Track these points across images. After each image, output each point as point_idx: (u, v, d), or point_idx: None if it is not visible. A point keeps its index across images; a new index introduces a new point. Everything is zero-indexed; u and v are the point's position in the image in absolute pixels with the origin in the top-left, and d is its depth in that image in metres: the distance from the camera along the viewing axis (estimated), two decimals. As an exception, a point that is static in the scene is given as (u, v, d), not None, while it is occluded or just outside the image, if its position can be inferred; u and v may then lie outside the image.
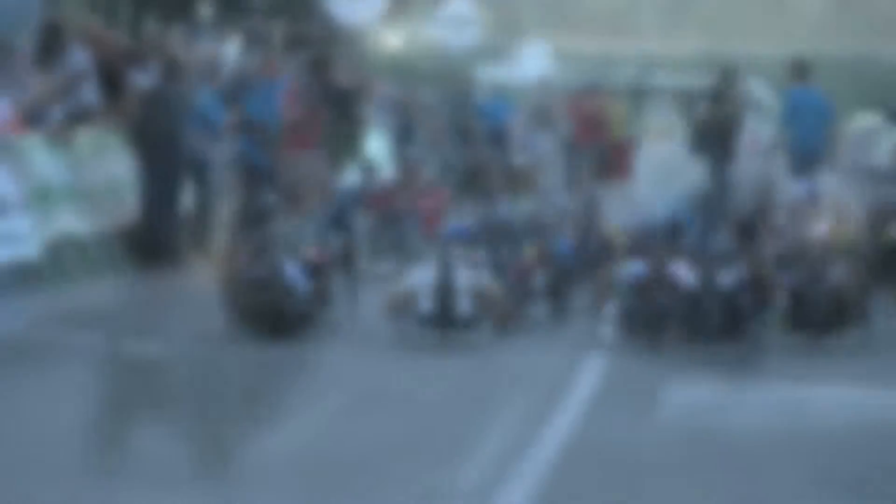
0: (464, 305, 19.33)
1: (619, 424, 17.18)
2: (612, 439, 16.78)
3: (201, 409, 16.33)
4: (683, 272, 20.79)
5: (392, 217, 28.78)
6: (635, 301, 20.68)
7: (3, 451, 14.31)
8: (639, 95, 70.53)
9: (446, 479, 14.43)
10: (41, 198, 26.69)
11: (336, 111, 32.60)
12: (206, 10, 52.64)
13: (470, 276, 19.62)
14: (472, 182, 37.72)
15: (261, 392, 17.34)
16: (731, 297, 20.30)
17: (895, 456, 15.29)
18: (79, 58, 29.07)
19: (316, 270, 20.17)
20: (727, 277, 20.61)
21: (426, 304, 19.30)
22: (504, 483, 14.11)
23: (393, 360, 19.22)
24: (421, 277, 19.64)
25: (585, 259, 23.55)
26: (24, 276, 24.17)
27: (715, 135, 39.49)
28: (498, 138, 45.76)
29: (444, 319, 19.32)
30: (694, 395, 17.95)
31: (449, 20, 64.07)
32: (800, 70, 38.05)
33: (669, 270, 21.10)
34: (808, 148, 35.95)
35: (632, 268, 21.17)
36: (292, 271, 19.65)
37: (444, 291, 19.23)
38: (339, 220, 26.33)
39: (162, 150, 27.94)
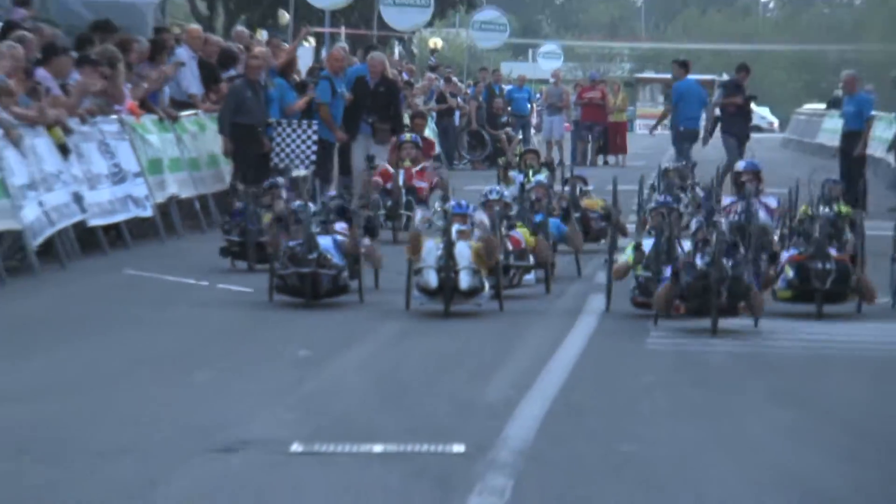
0: (466, 276, 21.87)
1: (614, 352, 21.89)
2: (619, 332, 23.08)
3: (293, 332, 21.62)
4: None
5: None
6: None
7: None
8: (632, 85, 79.80)
9: (478, 393, 18.12)
10: (154, 168, 32.56)
11: (385, 98, 38.32)
12: (285, 17, 61.15)
13: (465, 249, 21.94)
14: (497, 156, 42.36)
15: (333, 330, 21.94)
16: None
17: (836, 377, 19.56)
18: (182, 55, 37.01)
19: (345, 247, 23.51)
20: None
21: (429, 276, 21.98)
22: (524, 396, 17.67)
23: (422, 310, 23.00)
24: (429, 249, 22.12)
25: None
26: (142, 231, 32.11)
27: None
28: (520, 120, 53.45)
29: (448, 291, 21.99)
30: (675, 331, 22.41)
31: (481, 25, 73.36)
32: (682, 68, 49.21)
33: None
34: (689, 126, 46.71)
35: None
36: (328, 246, 22.99)
37: (448, 261, 21.71)
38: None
39: (242, 133, 34.50)
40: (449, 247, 21.57)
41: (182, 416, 17.15)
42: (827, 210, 25.23)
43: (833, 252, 23.85)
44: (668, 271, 21.82)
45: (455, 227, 22.16)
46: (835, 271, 23.23)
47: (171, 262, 29.39)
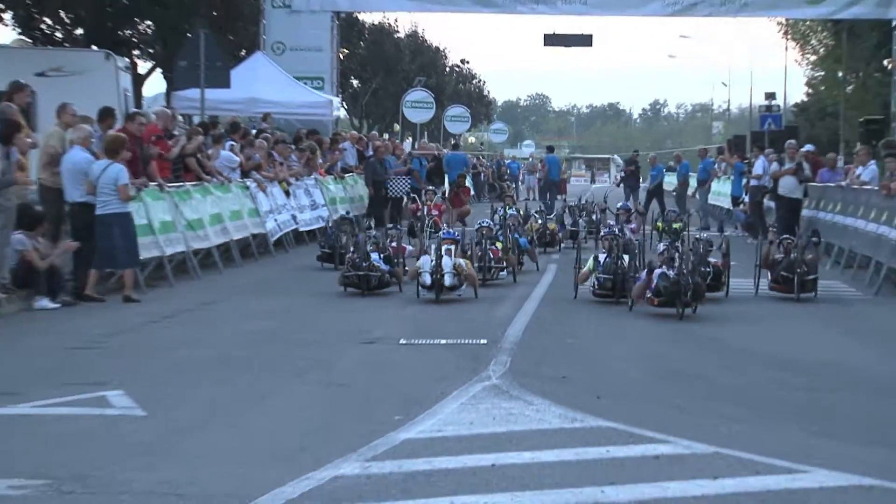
0: (448, 278, 28.72)
1: (563, 294, 30.39)
2: (560, 297, 30.26)
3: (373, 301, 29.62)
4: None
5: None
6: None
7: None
8: (568, 161, 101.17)
9: (488, 318, 26.52)
10: (331, 201, 48.50)
11: (437, 166, 57.09)
12: (396, 127, 78.45)
13: (448, 261, 28.77)
14: (500, 198, 53.23)
15: (384, 303, 29.46)
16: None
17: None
18: (346, 145, 55.78)
19: (389, 259, 31.41)
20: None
21: (425, 277, 29.01)
22: (513, 318, 26.43)
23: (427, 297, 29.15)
24: (424, 261, 29.23)
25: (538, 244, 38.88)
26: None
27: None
28: (513, 178, 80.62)
29: (437, 286, 28.68)
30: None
31: (494, 130, 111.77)
32: (550, 149, 68.61)
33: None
34: (552, 181, 68.12)
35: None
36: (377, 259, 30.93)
37: (437, 268, 28.65)
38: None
39: (376, 185, 50.99)
40: (438, 260, 28.51)
41: (342, 325, 25.51)
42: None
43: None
44: (643, 274, 27.46)
45: (444, 248, 28.91)
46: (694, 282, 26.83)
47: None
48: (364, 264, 30.11)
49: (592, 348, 23.46)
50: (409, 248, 34.82)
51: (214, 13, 53.85)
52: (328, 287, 31.28)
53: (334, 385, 19.37)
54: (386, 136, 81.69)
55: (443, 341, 23.38)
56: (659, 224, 42.54)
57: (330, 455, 14.33)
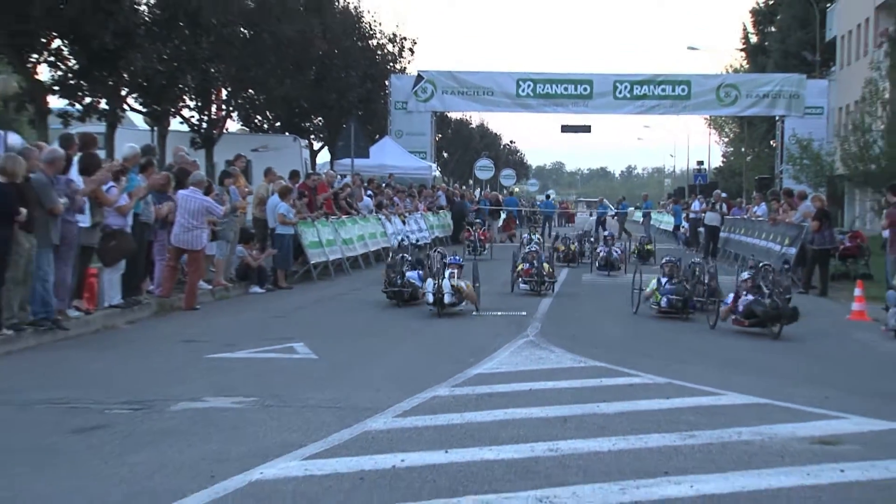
0: (448, 296, 22.72)
1: (572, 289, 28.84)
2: (570, 290, 28.94)
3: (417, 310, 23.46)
4: None
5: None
6: None
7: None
8: (577, 202, 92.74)
9: (523, 304, 24.27)
10: (429, 227, 46.76)
11: (495, 205, 53.51)
12: (471, 182, 79.00)
13: (447, 283, 22.74)
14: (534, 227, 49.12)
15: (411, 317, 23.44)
16: None
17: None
18: (440, 193, 54.30)
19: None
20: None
21: (429, 296, 22.97)
22: (538, 305, 24.88)
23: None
24: (429, 284, 23.03)
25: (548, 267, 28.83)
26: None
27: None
28: (547, 216, 67.41)
29: (438, 303, 22.66)
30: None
31: (530, 184, 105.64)
32: (547, 196, 63.91)
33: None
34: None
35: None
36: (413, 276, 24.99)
37: (438, 289, 22.65)
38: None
39: (458, 217, 47.19)
40: (439, 281, 22.69)
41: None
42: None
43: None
44: (730, 298, 21.61)
45: (447, 271, 23.06)
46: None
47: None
48: (399, 281, 24.93)
49: (591, 320, 23.30)
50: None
51: (360, 113, 54.23)
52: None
53: (432, 340, 19.40)
54: (464, 187, 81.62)
55: (498, 313, 23.34)
56: (636, 247, 40.04)
57: (430, 383, 14.39)
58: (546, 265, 28.40)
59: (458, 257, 25.12)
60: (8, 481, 9.40)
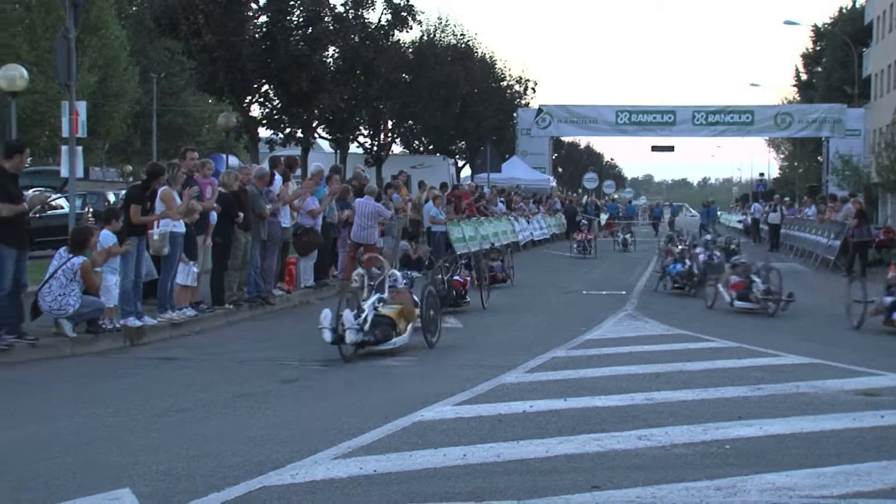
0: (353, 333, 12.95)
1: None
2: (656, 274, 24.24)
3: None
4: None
5: None
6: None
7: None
8: (664, 207, 78.84)
9: (624, 283, 23.72)
10: (548, 226, 42.80)
11: (597, 209, 48.54)
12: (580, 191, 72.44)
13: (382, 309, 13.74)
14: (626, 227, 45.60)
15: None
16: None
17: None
18: (555, 199, 50.77)
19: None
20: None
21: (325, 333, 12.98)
22: (637, 283, 24.58)
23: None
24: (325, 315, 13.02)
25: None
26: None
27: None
28: (630, 216, 60.43)
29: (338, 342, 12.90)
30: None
31: (626, 191, 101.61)
32: (611, 199, 56.21)
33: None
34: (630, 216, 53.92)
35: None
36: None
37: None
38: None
39: (568, 218, 43.28)
40: (340, 312, 12.70)
41: (557, 280, 24.28)
42: None
43: None
44: (887, 299, 16.99)
45: (374, 297, 13.63)
46: None
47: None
48: (443, 286, 18.49)
49: (678, 297, 22.63)
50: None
51: (493, 137, 54.07)
52: (557, 262, 30.59)
53: (552, 313, 19.11)
54: (574, 195, 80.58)
55: (604, 292, 23.06)
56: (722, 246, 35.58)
57: (550, 346, 14.24)
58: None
59: (409, 274, 16.21)
60: (234, 418, 9.53)
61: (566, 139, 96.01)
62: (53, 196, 19.57)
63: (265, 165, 20.19)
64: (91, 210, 20.51)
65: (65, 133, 17.92)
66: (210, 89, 37.77)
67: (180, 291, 16.00)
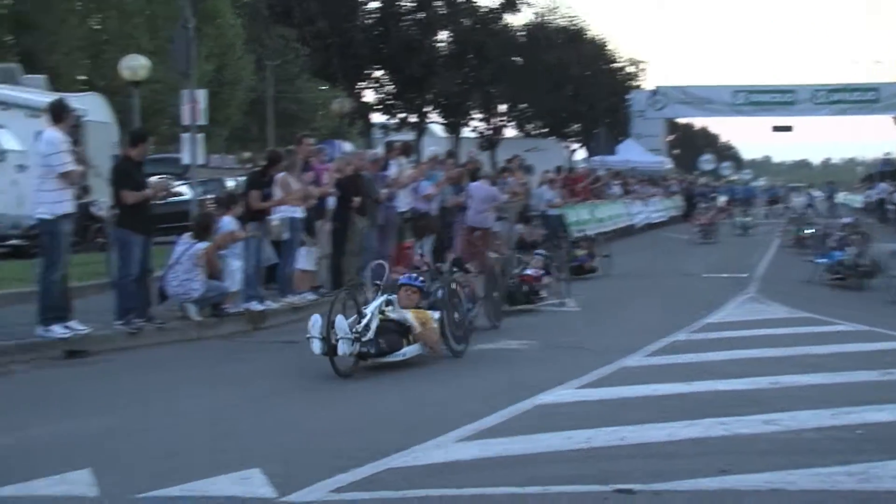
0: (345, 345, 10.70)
1: (782, 252, 25.77)
2: (781, 253, 24.83)
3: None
4: None
5: None
6: None
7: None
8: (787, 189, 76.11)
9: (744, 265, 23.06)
10: (665, 208, 42.60)
11: (713, 190, 46.77)
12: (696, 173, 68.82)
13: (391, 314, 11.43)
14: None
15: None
16: None
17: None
18: (674, 182, 44.43)
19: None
20: None
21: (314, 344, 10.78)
22: (758, 265, 23.79)
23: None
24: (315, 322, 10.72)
25: None
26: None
27: None
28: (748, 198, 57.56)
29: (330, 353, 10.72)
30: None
31: (744, 173, 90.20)
32: (728, 181, 52.70)
33: None
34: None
35: None
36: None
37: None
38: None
39: (688, 198, 42.05)
40: (331, 319, 10.61)
41: (674, 264, 24.17)
42: None
43: None
44: None
45: (380, 299, 11.45)
46: None
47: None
48: (511, 281, 16.80)
49: (799, 279, 21.91)
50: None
51: (607, 120, 53.63)
52: (674, 245, 30.64)
53: (670, 297, 18.96)
54: (690, 176, 78.59)
55: (724, 275, 22.71)
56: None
57: (670, 330, 14.08)
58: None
59: (418, 278, 12.43)
60: (356, 400, 9.60)
61: (681, 121, 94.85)
62: (175, 183, 19.95)
63: (379, 150, 20.34)
64: (212, 196, 20.81)
65: (185, 121, 18.30)
66: (323, 75, 38.36)
67: (300, 276, 16.23)
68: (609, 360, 11.51)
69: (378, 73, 37.63)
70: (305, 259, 16.23)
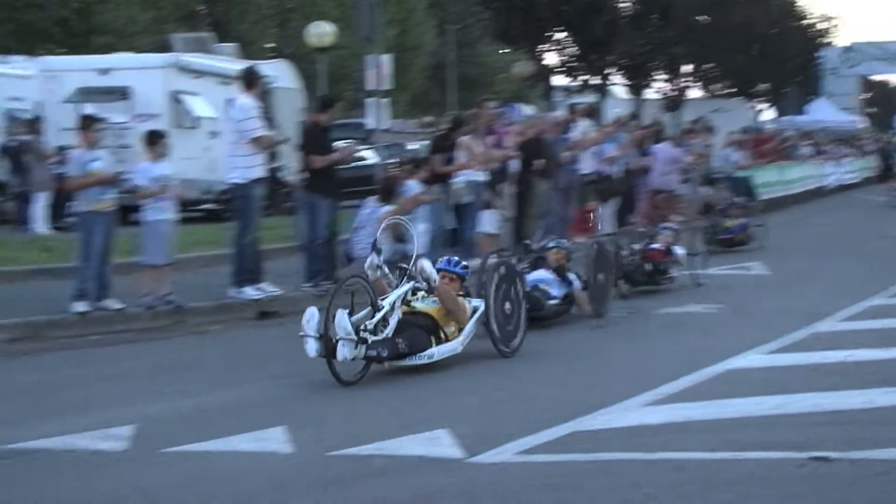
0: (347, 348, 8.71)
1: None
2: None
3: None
4: None
5: None
6: None
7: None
8: None
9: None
10: (859, 169, 40.21)
11: None
12: None
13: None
14: None
15: None
16: None
17: None
18: (866, 142, 42.24)
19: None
20: None
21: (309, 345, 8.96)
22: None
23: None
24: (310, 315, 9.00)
25: None
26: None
27: None
28: None
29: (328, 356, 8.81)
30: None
31: None
32: None
33: None
34: None
35: None
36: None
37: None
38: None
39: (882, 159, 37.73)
40: (329, 314, 8.66)
41: (783, 241, 23.58)
42: None
43: None
44: None
45: (405, 286, 9.52)
46: None
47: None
48: (631, 258, 14.38)
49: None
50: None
51: (797, 79, 52.02)
52: (869, 207, 28.97)
53: (865, 260, 17.74)
54: (886, 136, 72.59)
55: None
56: None
57: (867, 294, 13.42)
58: None
59: (461, 263, 10.38)
60: (541, 362, 9.54)
61: (877, 78, 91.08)
62: (359, 147, 20.27)
63: (560, 112, 20.21)
64: (397, 160, 21.10)
65: (370, 86, 18.58)
66: (505, 38, 38.51)
67: (484, 239, 16.26)
68: (800, 325, 11.16)
69: (560, 35, 37.44)
70: (489, 222, 16.25)
